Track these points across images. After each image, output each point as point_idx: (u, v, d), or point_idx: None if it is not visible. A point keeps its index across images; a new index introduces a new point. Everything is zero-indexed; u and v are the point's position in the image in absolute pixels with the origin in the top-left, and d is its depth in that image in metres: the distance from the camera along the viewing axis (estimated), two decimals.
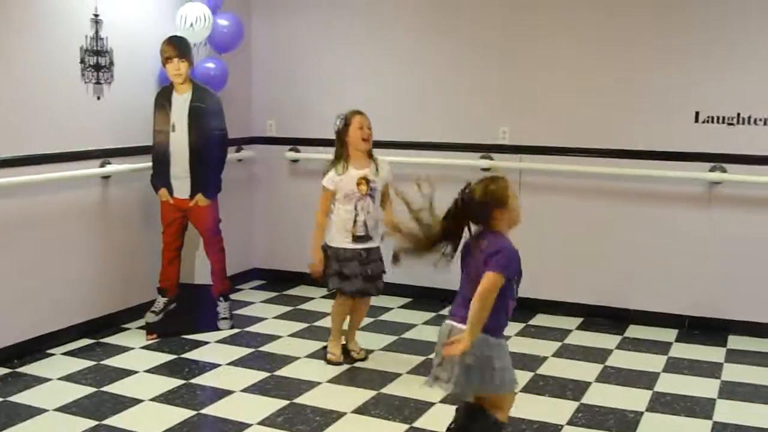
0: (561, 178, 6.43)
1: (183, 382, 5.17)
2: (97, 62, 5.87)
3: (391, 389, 5.07)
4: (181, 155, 5.92)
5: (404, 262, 3.86)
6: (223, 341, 5.98)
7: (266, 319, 6.52)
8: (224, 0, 6.53)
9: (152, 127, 6.00)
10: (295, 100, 7.38)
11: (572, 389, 5.07)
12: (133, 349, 5.77)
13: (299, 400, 4.88)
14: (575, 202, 6.43)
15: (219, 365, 5.49)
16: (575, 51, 6.37)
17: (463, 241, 3.82)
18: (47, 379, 5.16)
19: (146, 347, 5.82)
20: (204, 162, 5.96)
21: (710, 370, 5.44)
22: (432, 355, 4.47)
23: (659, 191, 6.24)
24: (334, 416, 4.63)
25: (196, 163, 5.93)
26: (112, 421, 4.56)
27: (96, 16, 5.83)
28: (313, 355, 5.67)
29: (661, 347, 5.88)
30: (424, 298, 6.91)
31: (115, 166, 6.03)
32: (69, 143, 5.73)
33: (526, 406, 4.73)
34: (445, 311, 6.57)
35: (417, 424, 4.55)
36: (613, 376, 5.32)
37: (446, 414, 4.62)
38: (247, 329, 6.24)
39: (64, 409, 4.71)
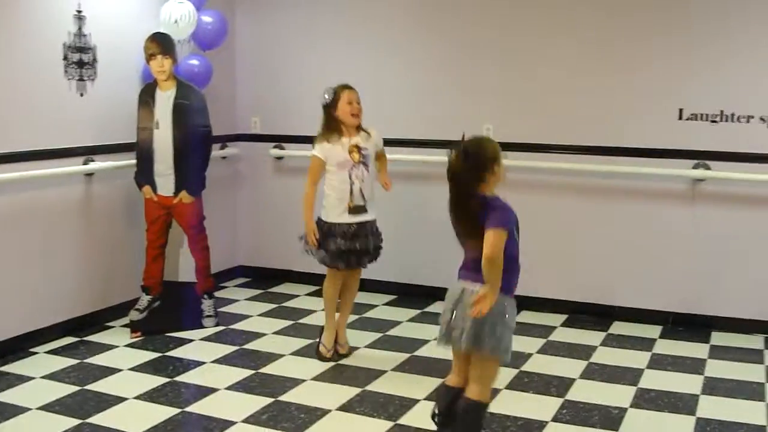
0: (545, 175, 6.44)
1: (167, 380, 5.16)
2: (80, 59, 5.85)
3: (376, 386, 5.06)
4: (165, 152, 5.90)
5: None
6: (207, 339, 5.96)
7: (251, 316, 6.51)
8: None
9: (136, 124, 5.97)
10: (280, 97, 7.37)
11: (557, 386, 5.08)
12: (117, 347, 5.75)
13: (284, 397, 4.87)
14: (559, 200, 6.44)
15: (203, 363, 5.48)
16: (559, 49, 6.38)
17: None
18: (30, 378, 5.14)
19: (130, 345, 5.79)
20: (188, 159, 5.94)
21: (694, 366, 5.46)
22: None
23: (643, 188, 6.26)
24: (318, 413, 4.63)
25: (180, 160, 5.91)
26: (95, 419, 4.53)
27: (79, 12, 5.81)
28: (297, 353, 5.66)
29: (646, 344, 5.89)
30: (408, 295, 6.92)
31: (98, 164, 6.01)
32: (52, 140, 5.70)
33: (510, 403, 4.74)
34: (430, 308, 6.64)
35: (402, 421, 4.55)
36: (597, 373, 5.33)
37: (430, 412, 4.64)
38: (232, 327, 6.23)
39: (47, 407, 4.69)
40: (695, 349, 5.78)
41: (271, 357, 5.58)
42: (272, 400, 4.83)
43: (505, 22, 6.52)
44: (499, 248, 3.60)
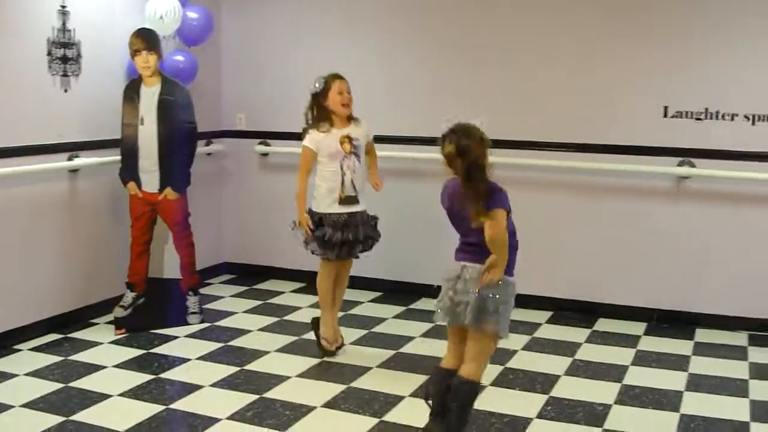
0: (531, 172, 6.44)
1: (152, 377, 5.14)
2: (64, 54, 5.82)
3: (361, 383, 5.06)
4: (150, 148, 5.88)
5: None
6: (192, 336, 5.95)
7: (236, 313, 6.50)
8: None
9: (120, 120, 5.95)
10: (265, 94, 7.35)
11: (541, 382, 5.09)
12: (101, 344, 5.73)
13: (269, 394, 4.86)
14: (545, 196, 6.45)
15: (188, 360, 5.46)
16: (545, 48, 6.38)
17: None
18: (14, 375, 5.11)
19: (115, 342, 5.77)
20: (173, 155, 5.92)
21: (678, 362, 5.48)
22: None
23: (628, 185, 6.27)
24: (303, 410, 4.63)
25: (165, 156, 5.89)
26: (80, 416, 4.52)
27: (63, 7, 5.78)
28: (283, 349, 5.66)
29: (630, 340, 5.91)
30: (394, 292, 6.92)
31: (83, 160, 5.98)
32: (36, 136, 5.67)
33: (495, 400, 4.75)
34: (415, 305, 6.65)
35: (387, 417, 4.55)
36: (582, 370, 5.34)
37: (416, 408, 4.65)
38: (217, 324, 6.22)
39: (31, 405, 4.67)
40: (680, 346, 5.80)
41: (256, 354, 5.57)
42: (257, 396, 4.82)
43: (494, 21, 6.53)
44: (503, 226, 3.78)
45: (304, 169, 5.33)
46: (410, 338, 5.90)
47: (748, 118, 5.90)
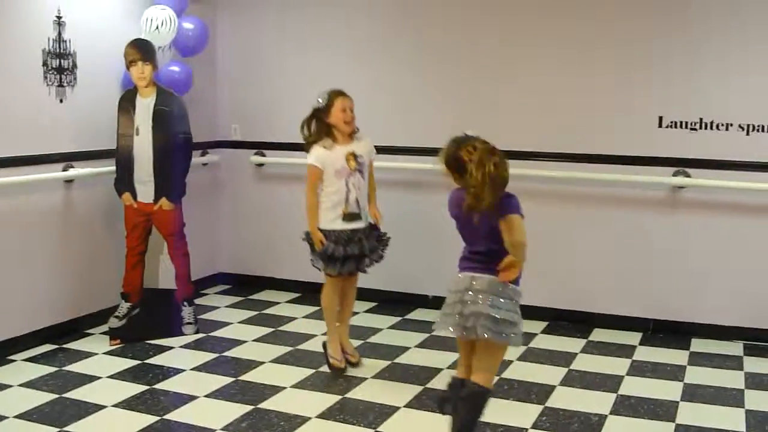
0: (525, 182, 6.40)
1: (147, 387, 5.13)
2: (59, 64, 5.82)
3: (356, 394, 5.05)
4: (145, 159, 5.88)
5: None
6: (187, 346, 5.94)
7: (231, 323, 6.49)
8: (189, 3, 6.49)
9: (116, 130, 5.95)
10: (260, 104, 7.36)
11: (537, 393, 5.08)
12: (96, 354, 5.71)
13: (263, 405, 4.85)
14: (540, 207, 6.43)
15: (183, 370, 5.45)
16: (541, 58, 6.39)
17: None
18: (8, 386, 5.09)
19: (109, 353, 5.76)
20: (168, 166, 5.92)
21: (673, 373, 5.48)
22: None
23: (623, 195, 6.28)
24: (298, 421, 4.61)
25: (160, 167, 5.89)
26: (74, 427, 4.50)
27: (59, 18, 5.78)
28: (278, 360, 5.65)
29: (626, 351, 5.91)
30: (389, 302, 6.91)
31: (78, 170, 5.98)
32: (31, 146, 5.67)
33: (490, 410, 4.67)
34: (411, 315, 6.64)
35: (382, 428, 4.54)
36: (577, 380, 5.34)
37: (411, 419, 4.66)
38: (212, 334, 6.20)
39: (25, 416, 4.65)
40: (675, 356, 5.79)
41: (251, 364, 5.55)
42: (252, 407, 4.81)
43: (488, 31, 6.53)
44: (524, 231, 3.76)
45: (312, 186, 5.26)
46: (405, 348, 5.89)
47: (742, 128, 5.91)
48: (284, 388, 5.14)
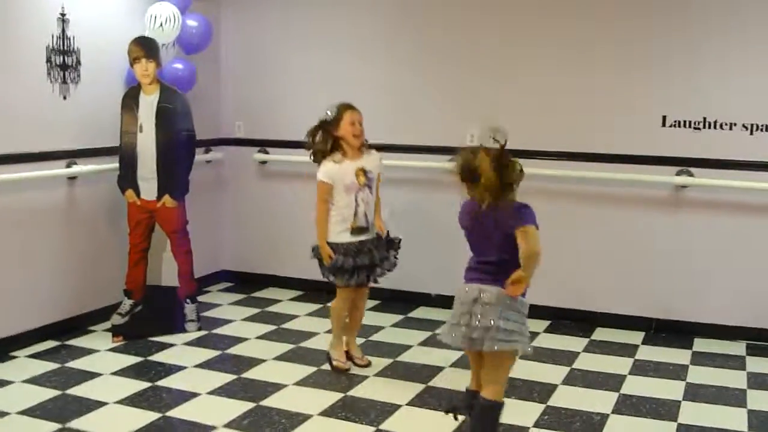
0: (528, 181, 6.32)
1: (149, 384, 5.13)
2: (63, 61, 5.83)
3: (358, 392, 5.05)
4: (149, 156, 5.89)
5: None
6: (189, 343, 5.94)
7: (234, 321, 6.49)
8: (193, 0, 6.49)
9: (119, 127, 5.95)
10: (264, 102, 7.36)
11: (539, 391, 5.08)
12: (98, 351, 5.72)
13: (265, 402, 4.86)
14: (543, 205, 6.35)
15: (185, 368, 5.46)
16: (543, 57, 6.40)
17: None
18: (10, 382, 5.10)
19: (112, 349, 5.77)
20: (171, 163, 5.93)
21: (676, 372, 5.48)
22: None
23: (627, 194, 6.27)
24: (300, 419, 4.62)
25: (163, 164, 5.90)
26: (76, 423, 4.51)
27: (63, 15, 5.79)
28: (280, 358, 5.65)
29: (628, 350, 5.91)
30: (392, 301, 6.91)
31: (81, 167, 5.98)
32: (34, 143, 5.67)
33: None
34: (414, 314, 6.64)
35: (383, 426, 4.54)
36: (579, 379, 5.34)
37: (413, 417, 4.66)
38: (215, 331, 6.21)
39: (27, 412, 4.66)
40: (677, 356, 5.79)
41: (254, 362, 5.56)
42: (254, 405, 4.82)
43: (491, 30, 6.53)
44: (538, 241, 3.76)
45: (322, 202, 5.23)
46: (408, 347, 5.90)
47: (746, 128, 5.90)
48: (286, 385, 5.14)
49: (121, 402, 4.84)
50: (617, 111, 6.22)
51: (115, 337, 5.95)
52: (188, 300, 6.25)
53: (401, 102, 6.84)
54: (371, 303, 6.85)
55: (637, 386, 5.20)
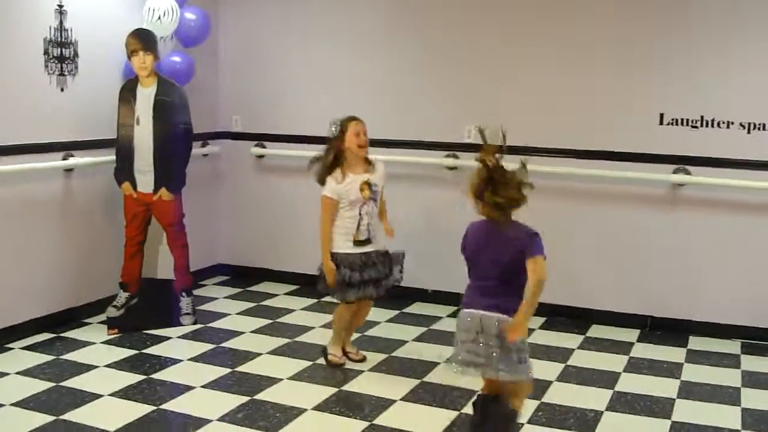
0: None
1: (144, 377, 5.14)
2: (61, 53, 5.82)
3: (352, 386, 5.06)
4: (145, 149, 5.88)
5: None
6: (185, 337, 5.94)
7: (229, 314, 6.49)
8: None
9: (116, 120, 5.94)
10: (262, 96, 7.35)
11: (533, 388, 5.07)
12: (93, 343, 5.72)
13: (260, 396, 4.86)
14: (539, 202, 6.36)
15: (180, 361, 5.45)
16: (541, 54, 6.39)
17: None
18: (5, 374, 5.10)
19: (107, 342, 5.77)
20: (168, 156, 5.92)
21: (670, 370, 5.48)
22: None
23: (623, 192, 6.27)
24: (294, 413, 4.62)
25: (160, 157, 5.89)
26: (70, 416, 4.51)
27: (60, 6, 5.78)
28: (275, 352, 5.65)
29: (623, 347, 5.91)
30: (388, 296, 6.88)
31: (78, 159, 5.98)
32: (31, 135, 5.67)
33: None
34: (409, 309, 6.64)
35: (377, 421, 4.54)
36: (574, 376, 5.34)
37: (407, 412, 4.66)
38: (210, 325, 6.21)
39: (21, 403, 4.66)
40: (672, 353, 5.79)
41: (249, 355, 5.56)
42: (248, 398, 4.82)
43: (489, 28, 6.52)
44: (546, 272, 3.82)
45: (327, 220, 5.21)
46: (402, 342, 5.90)
47: (743, 126, 5.90)
48: (281, 379, 5.14)
49: (115, 394, 4.84)
50: (615, 109, 6.22)
51: (110, 330, 5.94)
52: (184, 293, 6.25)
53: (400, 99, 6.83)
54: None
55: (632, 384, 5.21)
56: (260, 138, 7.39)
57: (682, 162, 6.07)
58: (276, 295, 7.07)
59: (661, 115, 6.10)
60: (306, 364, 5.42)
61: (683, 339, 6.08)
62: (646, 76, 6.12)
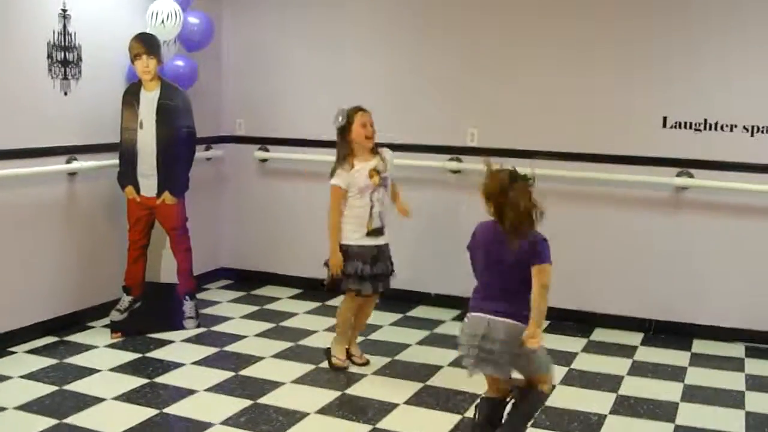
0: None
1: (147, 381, 5.14)
2: (64, 57, 5.82)
3: (356, 390, 5.05)
4: (149, 153, 5.88)
5: None
6: (188, 340, 5.94)
7: (232, 318, 6.49)
8: None
9: (120, 124, 5.95)
10: (265, 99, 7.36)
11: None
12: (97, 347, 5.72)
13: (263, 400, 4.86)
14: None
15: (183, 365, 5.45)
16: (544, 57, 6.39)
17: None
18: (8, 378, 5.10)
19: (110, 346, 5.77)
20: (171, 160, 5.93)
21: (674, 373, 5.48)
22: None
23: (626, 195, 6.27)
24: (297, 416, 4.62)
25: (163, 161, 5.90)
26: (73, 419, 4.51)
27: (64, 11, 5.79)
28: (278, 355, 5.65)
29: (627, 351, 5.90)
30: (391, 299, 6.88)
31: (81, 163, 5.98)
32: (35, 139, 5.67)
33: None
34: (413, 313, 6.63)
35: (380, 425, 4.54)
36: (577, 379, 5.34)
37: (410, 415, 4.65)
38: (213, 329, 6.21)
39: (25, 407, 4.66)
40: (676, 357, 5.79)
41: (252, 359, 5.56)
42: (251, 402, 4.82)
43: (489, 28, 6.53)
44: (550, 278, 3.87)
45: (336, 208, 5.22)
46: (407, 346, 5.90)
47: (747, 130, 5.90)
48: (284, 383, 5.14)
49: (118, 398, 4.84)
50: (617, 112, 6.22)
51: (113, 334, 5.95)
52: (187, 297, 6.25)
53: (402, 102, 6.82)
54: None
55: (635, 387, 5.20)
56: (264, 142, 7.39)
57: (685, 165, 6.07)
58: (279, 298, 7.07)
59: (665, 118, 6.09)
60: (309, 367, 5.42)
61: (687, 342, 6.07)
62: (649, 79, 6.12)
